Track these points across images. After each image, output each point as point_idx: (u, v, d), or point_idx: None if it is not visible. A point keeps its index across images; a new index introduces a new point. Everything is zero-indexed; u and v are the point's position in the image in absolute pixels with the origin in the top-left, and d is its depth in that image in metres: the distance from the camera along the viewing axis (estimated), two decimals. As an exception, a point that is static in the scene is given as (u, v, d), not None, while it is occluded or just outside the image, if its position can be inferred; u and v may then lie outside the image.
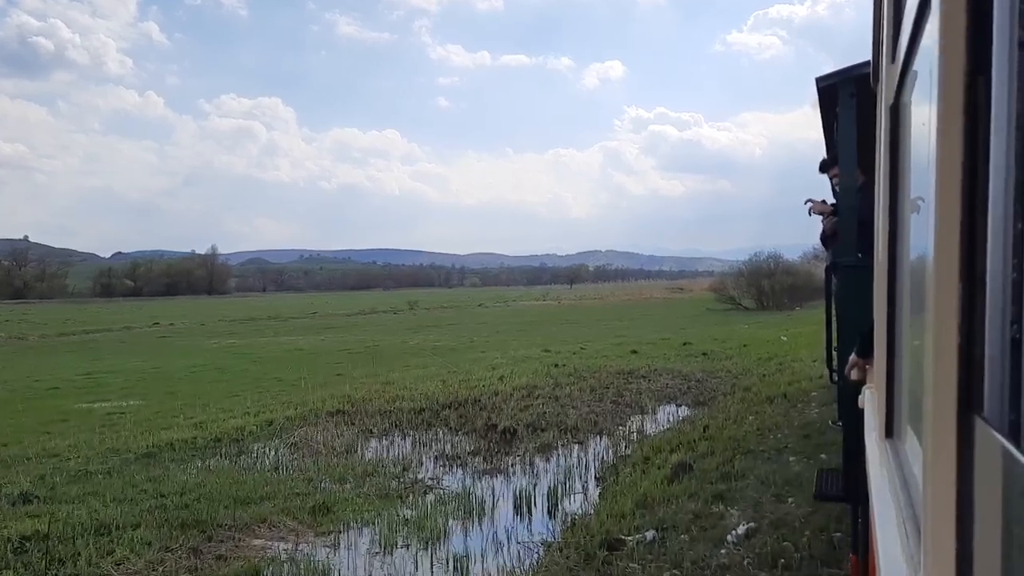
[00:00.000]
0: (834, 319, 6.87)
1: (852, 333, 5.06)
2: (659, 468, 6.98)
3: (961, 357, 0.73)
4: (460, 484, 7.44)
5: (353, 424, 9.89)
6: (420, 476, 7.72)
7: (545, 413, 9.93)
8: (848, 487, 3.55)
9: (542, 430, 9.24)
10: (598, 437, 9.17)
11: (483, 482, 7.51)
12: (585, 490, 7.28)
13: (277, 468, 7.96)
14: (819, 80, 5.70)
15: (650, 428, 9.62)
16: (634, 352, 16.26)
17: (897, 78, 1.53)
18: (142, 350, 24.84)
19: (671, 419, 10.05)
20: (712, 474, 6.39)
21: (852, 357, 3.01)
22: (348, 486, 7.24)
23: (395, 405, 10.67)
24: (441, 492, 7.20)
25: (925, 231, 0.94)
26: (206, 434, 9.34)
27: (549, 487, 7.24)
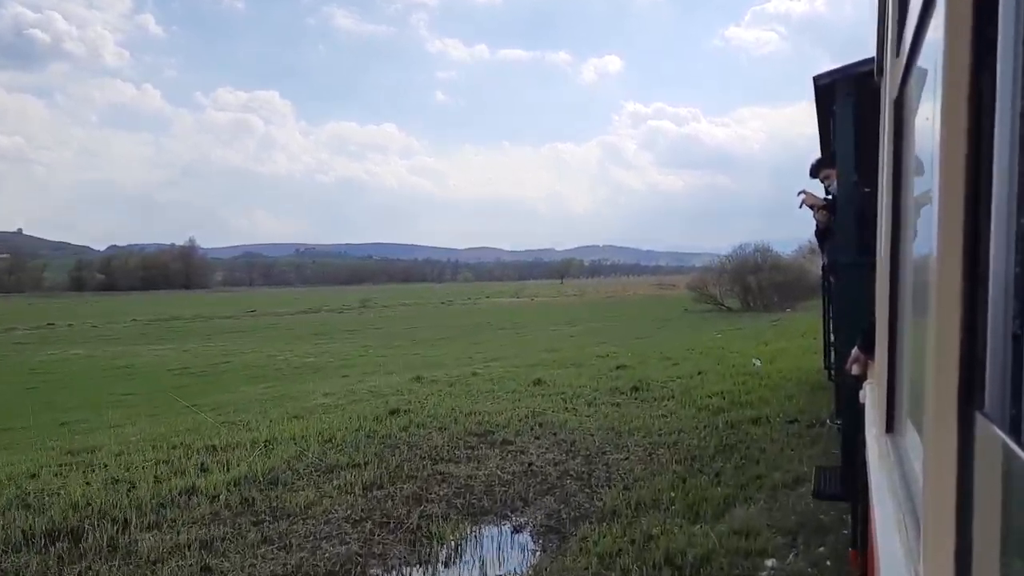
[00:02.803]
0: (831, 317, 6.90)
1: (850, 331, 5.07)
2: None
3: (962, 353, 0.73)
4: None
5: None
6: None
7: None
8: (847, 485, 3.55)
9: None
10: None
11: None
12: None
13: None
14: (817, 79, 5.73)
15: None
16: (537, 383, 11.03)
17: (901, 73, 1.53)
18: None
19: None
20: None
21: (854, 352, 3.02)
22: None
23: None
24: None
25: (928, 226, 0.95)
26: None
27: None
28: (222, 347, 24.60)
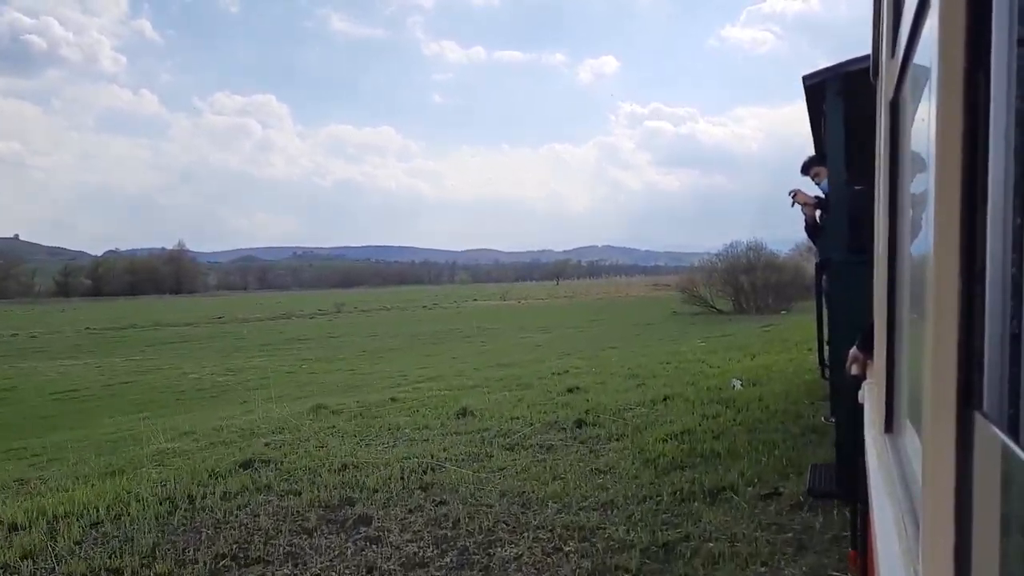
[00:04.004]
0: (825, 315, 6.91)
1: (844, 328, 5.10)
2: None
3: (961, 352, 0.73)
4: None
5: None
6: None
7: None
8: (841, 482, 3.58)
9: None
10: None
11: None
12: None
13: None
14: (806, 78, 5.75)
15: None
16: (462, 415, 8.92)
17: (897, 73, 1.53)
18: None
19: None
20: None
21: (853, 351, 3.02)
22: None
23: None
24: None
25: (925, 226, 0.95)
26: None
27: None
28: (145, 362, 22.68)
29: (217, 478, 6.48)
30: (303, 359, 21.43)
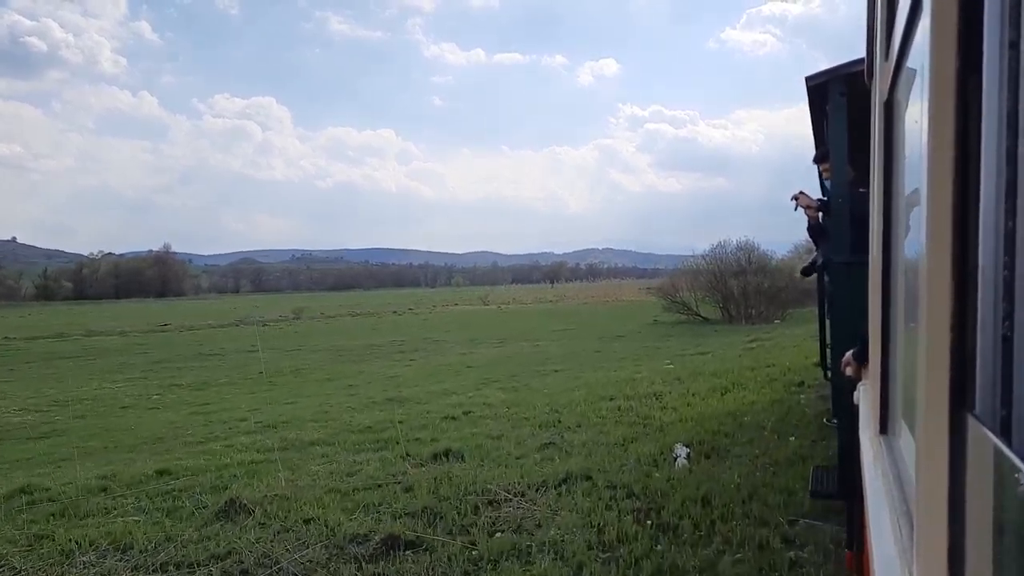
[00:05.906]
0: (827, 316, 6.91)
1: (845, 330, 5.10)
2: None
3: (953, 354, 0.73)
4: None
5: None
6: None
7: None
8: (843, 484, 3.57)
9: None
10: None
11: None
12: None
13: None
14: (809, 79, 5.75)
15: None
16: (222, 517, 5.44)
17: (890, 75, 1.55)
18: None
19: None
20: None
21: (847, 356, 3.03)
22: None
23: None
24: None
25: (918, 228, 0.95)
26: None
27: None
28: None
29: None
30: (172, 384, 16.68)
